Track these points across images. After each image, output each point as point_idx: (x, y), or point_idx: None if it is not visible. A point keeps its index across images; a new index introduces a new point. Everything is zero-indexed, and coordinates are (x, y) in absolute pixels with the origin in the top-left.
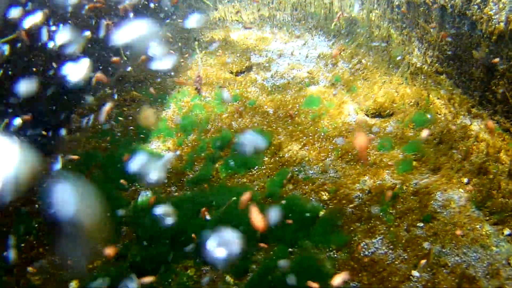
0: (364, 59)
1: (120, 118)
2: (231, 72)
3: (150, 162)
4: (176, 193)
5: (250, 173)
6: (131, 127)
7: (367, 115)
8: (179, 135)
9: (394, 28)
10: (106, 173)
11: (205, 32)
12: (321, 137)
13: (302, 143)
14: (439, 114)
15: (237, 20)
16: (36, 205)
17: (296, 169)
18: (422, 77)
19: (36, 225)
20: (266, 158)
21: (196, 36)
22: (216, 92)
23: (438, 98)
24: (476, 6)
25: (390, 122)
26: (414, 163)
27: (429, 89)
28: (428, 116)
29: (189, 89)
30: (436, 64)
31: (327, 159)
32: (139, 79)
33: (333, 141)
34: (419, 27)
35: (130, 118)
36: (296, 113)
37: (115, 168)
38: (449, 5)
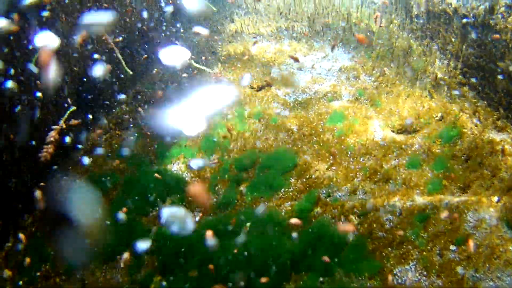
0: (386, 71)
1: (138, 136)
2: (252, 88)
3: (171, 186)
4: (198, 218)
5: (277, 196)
6: (151, 147)
7: (393, 131)
8: (200, 155)
9: (414, 39)
10: (125, 196)
11: (222, 45)
12: (348, 155)
13: (329, 163)
14: (465, 128)
15: (254, 33)
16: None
17: (324, 191)
18: (445, 89)
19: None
20: (293, 180)
21: (213, 49)
22: (237, 109)
23: (462, 111)
24: (500, 16)
25: (417, 138)
26: (444, 181)
27: (453, 102)
28: (455, 131)
29: None
30: (459, 76)
31: (355, 180)
32: (155, 94)
33: (361, 160)
34: (440, 37)
35: (150, 135)
36: (321, 131)
37: (134, 191)
38: (471, 14)
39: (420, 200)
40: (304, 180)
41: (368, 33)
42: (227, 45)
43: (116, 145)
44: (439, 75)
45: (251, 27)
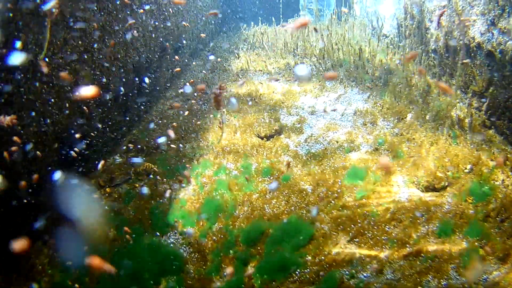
0: (405, 115)
1: (131, 197)
2: (259, 136)
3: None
4: None
5: (291, 279)
6: (146, 210)
7: (420, 189)
8: (201, 223)
9: (431, 76)
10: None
11: (227, 85)
12: (372, 223)
13: (350, 234)
14: (496, 181)
15: (261, 70)
16: None
17: (347, 272)
18: (470, 134)
19: None
20: (309, 257)
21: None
22: (243, 163)
23: (492, 160)
24: None
25: (446, 197)
26: (480, 251)
27: (480, 149)
28: (487, 186)
29: (211, 158)
30: (484, 117)
31: (382, 254)
32: (152, 146)
33: (386, 229)
34: (461, 75)
35: (143, 196)
36: (339, 191)
37: (122, 268)
38: (497, 50)
39: (456, 277)
40: (323, 257)
41: (384, 70)
42: (232, 85)
43: (106, 207)
44: (461, 116)
45: (257, 64)
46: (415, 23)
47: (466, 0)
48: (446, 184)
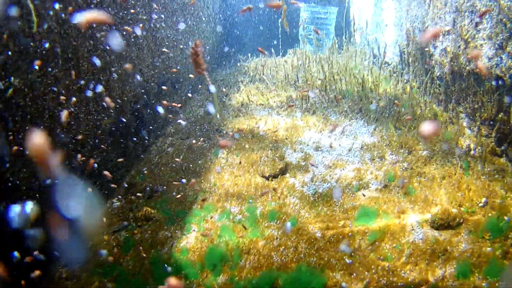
0: (413, 147)
1: (130, 245)
2: (263, 176)
3: None
4: None
5: None
6: (146, 260)
7: (434, 228)
8: (205, 275)
9: (437, 103)
10: None
11: (228, 120)
12: (386, 268)
13: (364, 282)
14: None
15: (262, 104)
16: None
17: None
18: (481, 164)
19: None
20: None
21: (217, 126)
22: (248, 207)
23: (505, 191)
24: None
25: (462, 235)
26: None
27: (493, 180)
28: (503, 221)
29: (214, 201)
30: (493, 145)
31: None
32: (154, 187)
33: (402, 274)
34: (468, 102)
35: (142, 244)
36: (351, 235)
37: None
38: (507, 75)
39: None
40: None
41: (389, 99)
42: (233, 120)
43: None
44: (471, 146)
45: (258, 97)
46: (418, 49)
47: (471, 24)
48: (461, 220)
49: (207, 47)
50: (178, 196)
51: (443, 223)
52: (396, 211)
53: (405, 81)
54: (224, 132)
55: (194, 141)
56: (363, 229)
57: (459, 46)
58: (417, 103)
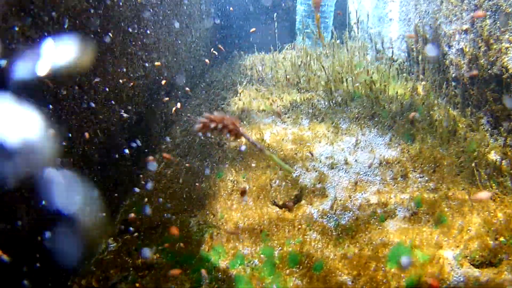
0: (436, 162)
1: None
2: (276, 204)
3: None
4: None
5: None
6: None
7: (474, 265)
8: None
9: (453, 107)
10: None
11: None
12: None
13: None
14: None
15: (264, 110)
16: None
17: None
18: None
19: None
20: None
21: (218, 139)
22: (264, 248)
23: None
24: None
25: (505, 274)
26: None
27: None
28: None
29: (223, 241)
30: None
31: None
32: (154, 222)
33: None
34: (490, 108)
35: None
36: (385, 281)
37: None
38: None
39: None
40: None
41: (401, 103)
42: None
43: None
44: (495, 158)
45: (259, 102)
46: (429, 47)
47: (495, 24)
48: (502, 257)
49: (202, 47)
50: (182, 233)
51: (483, 259)
52: (430, 246)
53: (415, 81)
54: (226, 146)
55: (193, 159)
56: (398, 273)
57: (479, 48)
58: (431, 106)
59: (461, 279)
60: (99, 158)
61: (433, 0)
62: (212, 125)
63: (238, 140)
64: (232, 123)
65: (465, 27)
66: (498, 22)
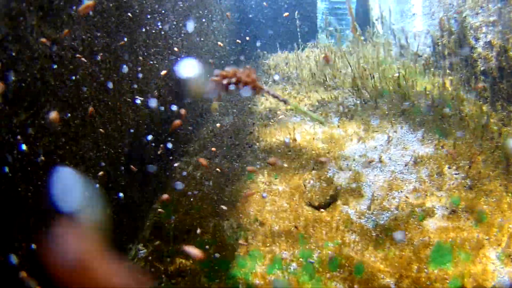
0: (472, 158)
1: None
2: (311, 205)
3: None
4: None
5: None
6: None
7: None
8: None
9: (482, 101)
10: None
11: (257, 130)
12: None
13: None
14: None
15: (291, 110)
16: None
17: None
18: None
19: None
20: None
21: (248, 139)
22: (302, 251)
23: None
24: None
25: None
26: None
27: None
28: None
29: (259, 245)
30: None
31: None
32: (185, 226)
33: None
34: None
35: None
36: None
37: None
38: None
39: None
40: None
41: (431, 99)
42: (263, 130)
43: None
44: None
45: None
46: (456, 41)
47: None
48: None
49: (225, 46)
50: (215, 238)
51: None
52: (472, 245)
53: (442, 75)
54: (257, 146)
55: (223, 162)
56: (441, 275)
57: (508, 39)
58: (460, 101)
59: (506, 279)
60: (127, 160)
61: None
62: (225, 81)
63: (257, 93)
64: (247, 75)
65: (492, 19)
66: None
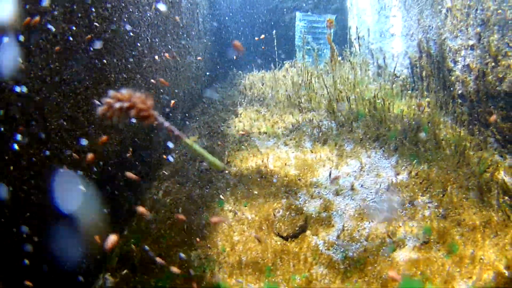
0: (445, 186)
1: None
2: (280, 236)
3: None
4: None
5: None
6: None
7: None
8: None
9: (459, 125)
10: None
11: (228, 155)
12: None
13: None
14: None
15: (265, 133)
16: None
17: None
18: None
19: None
20: None
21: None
22: (268, 285)
23: None
24: None
25: None
26: None
27: None
28: None
29: (225, 277)
30: None
31: None
32: (152, 258)
33: None
34: (498, 126)
35: None
36: None
37: None
38: None
39: None
40: None
41: (407, 123)
42: (234, 155)
43: None
44: (505, 178)
45: (260, 123)
46: (434, 63)
47: (503, 40)
48: None
49: (200, 66)
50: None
51: None
52: (443, 278)
53: (419, 97)
54: (227, 172)
55: (193, 188)
56: None
57: (487, 64)
58: (437, 124)
59: None
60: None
61: (437, 15)
62: (118, 105)
63: (150, 123)
64: (143, 102)
65: (471, 42)
66: (506, 37)
